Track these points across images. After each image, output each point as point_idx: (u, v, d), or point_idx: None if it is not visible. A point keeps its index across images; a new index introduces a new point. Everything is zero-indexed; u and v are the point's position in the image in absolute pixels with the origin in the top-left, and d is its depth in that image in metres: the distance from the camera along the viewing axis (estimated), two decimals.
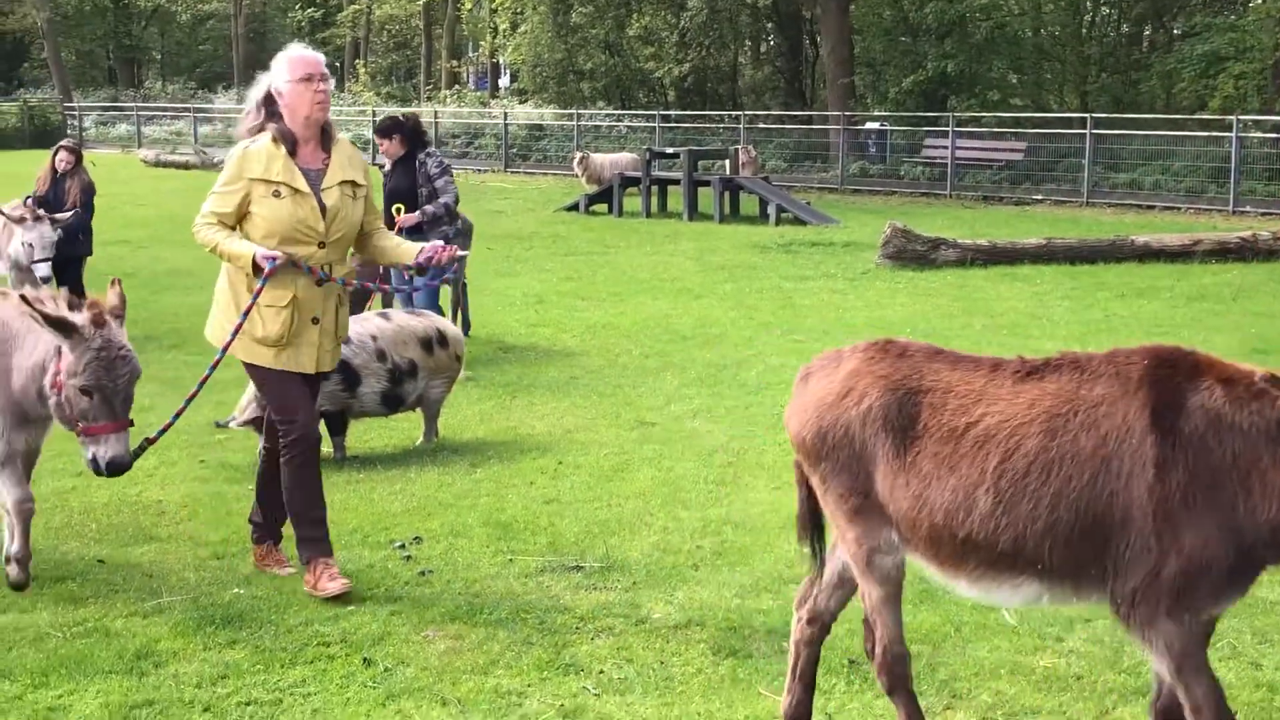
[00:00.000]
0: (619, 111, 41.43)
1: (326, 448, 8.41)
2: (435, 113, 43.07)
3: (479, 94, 53.51)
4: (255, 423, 8.25)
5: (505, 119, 40.42)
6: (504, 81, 56.66)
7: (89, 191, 13.37)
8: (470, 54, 61.48)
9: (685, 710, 4.99)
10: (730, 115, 38.44)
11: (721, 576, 6.45)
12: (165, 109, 54.22)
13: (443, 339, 9.24)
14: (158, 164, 39.76)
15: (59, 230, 12.34)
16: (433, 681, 5.25)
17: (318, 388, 6.57)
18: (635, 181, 26.81)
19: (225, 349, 6.19)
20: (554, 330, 13.68)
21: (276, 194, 6.09)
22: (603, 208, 26.81)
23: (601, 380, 11.19)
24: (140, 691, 5.16)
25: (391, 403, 9.03)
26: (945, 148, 30.95)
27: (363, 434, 9.42)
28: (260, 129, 6.22)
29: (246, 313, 6.10)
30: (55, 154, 13.43)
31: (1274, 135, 27.81)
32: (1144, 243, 18.54)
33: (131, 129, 50.92)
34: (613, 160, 28.70)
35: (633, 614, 5.96)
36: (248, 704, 5.07)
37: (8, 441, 6.24)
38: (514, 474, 8.35)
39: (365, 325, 9.01)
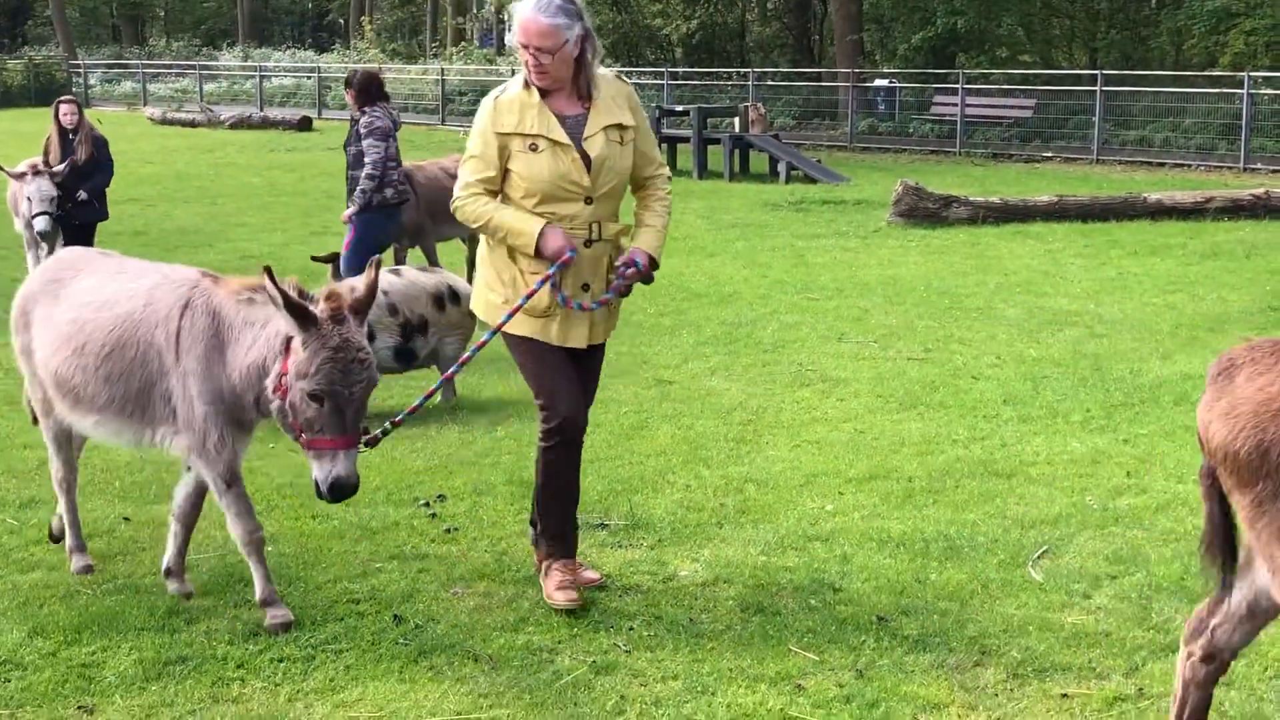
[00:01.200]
0: (627, 69, 41.20)
1: None
2: (442, 70, 42.87)
3: (484, 51, 53.24)
4: None
5: (512, 76, 40.15)
6: (509, 38, 56.36)
7: (102, 144, 12.99)
8: (475, 10, 61.18)
9: (716, 666, 5.01)
10: (738, 72, 38.30)
11: (746, 534, 6.48)
12: (170, 66, 54.04)
13: (454, 295, 9.20)
14: (164, 121, 39.79)
15: (85, 187, 12.37)
16: (464, 638, 5.27)
17: (595, 370, 5.88)
18: None
19: (497, 329, 5.52)
20: None
21: (534, 147, 5.38)
22: None
23: (617, 338, 11.12)
24: (173, 648, 5.18)
25: (404, 358, 9.01)
26: (954, 105, 30.89)
27: (380, 392, 9.40)
28: None
29: (529, 296, 5.40)
30: (57, 110, 13.00)
31: None
32: (1156, 200, 18.46)
33: (137, 86, 50.74)
34: None
35: (659, 571, 5.99)
36: (280, 661, 5.09)
37: (231, 449, 5.32)
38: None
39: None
